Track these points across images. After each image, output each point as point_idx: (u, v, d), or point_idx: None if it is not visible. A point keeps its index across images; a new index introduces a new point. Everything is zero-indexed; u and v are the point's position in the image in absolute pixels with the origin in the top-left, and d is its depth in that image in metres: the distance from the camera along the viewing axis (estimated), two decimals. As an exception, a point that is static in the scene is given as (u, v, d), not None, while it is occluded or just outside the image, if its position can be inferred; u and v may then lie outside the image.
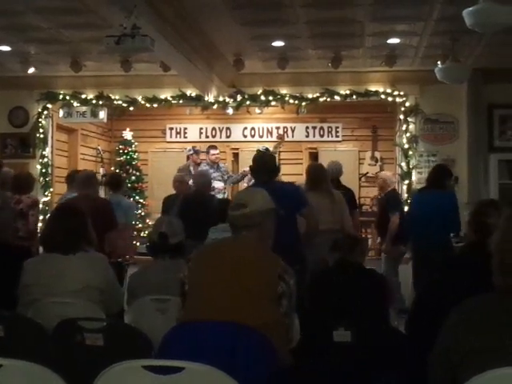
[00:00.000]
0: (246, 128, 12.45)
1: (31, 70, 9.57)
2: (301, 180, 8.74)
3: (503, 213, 2.35)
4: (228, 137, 12.57)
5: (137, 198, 11.75)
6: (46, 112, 10.54)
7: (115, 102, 10.48)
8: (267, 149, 10.68)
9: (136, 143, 12.11)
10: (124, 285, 5.25)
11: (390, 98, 10.01)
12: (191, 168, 11.09)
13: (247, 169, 10.83)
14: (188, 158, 11.63)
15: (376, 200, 10.23)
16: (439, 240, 6.33)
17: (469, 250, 3.45)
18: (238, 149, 12.56)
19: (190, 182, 10.18)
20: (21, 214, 6.57)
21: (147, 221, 11.57)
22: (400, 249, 8.38)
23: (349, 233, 5.92)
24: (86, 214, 4.12)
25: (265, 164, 5.75)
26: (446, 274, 3.36)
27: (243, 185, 11.13)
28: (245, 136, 12.48)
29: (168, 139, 12.69)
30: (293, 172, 10.83)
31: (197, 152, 11.40)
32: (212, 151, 10.98)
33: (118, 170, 11.75)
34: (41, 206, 8.80)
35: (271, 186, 5.51)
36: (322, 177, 6.84)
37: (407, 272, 9.07)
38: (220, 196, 10.61)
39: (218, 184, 10.70)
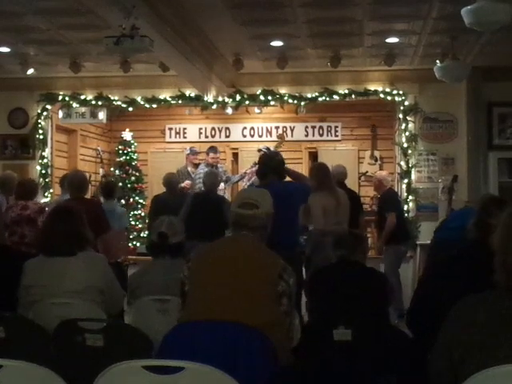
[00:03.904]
0: (245, 128, 12.43)
1: (30, 71, 9.56)
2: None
3: (505, 211, 2.34)
4: (227, 137, 12.55)
5: (136, 198, 11.74)
6: (45, 113, 10.52)
7: (114, 103, 10.47)
8: (268, 148, 10.68)
9: (135, 143, 12.09)
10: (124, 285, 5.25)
11: (389, 97, 10.01)
12: (189, 169, 11.09)
13: (249, 170, 10.91)
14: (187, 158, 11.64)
15: (376, 199, 10.23)
16: None
17: (471, 248, 3.45)
18: (237, 149, 12.55)
19: (185, 183, 10.20)
20: (28, 220, 6.52)
21: (147, 221, 11.56)
22: (400, 248, 8.39)
23: (352, 230, 5.90)
24: (81, 213, 4.10)
25: (271, 166, 5.82)
26: (447, 270, 3.36)
27: (241, 184, 11.15)
28: (244, 136, 12.47)
29: (167, 139, 12.67)
30: (292, 171, 10.80)
31: (194, 152, 11.39)
32: (211, 154, 10.95)
33: (117, 171, 11.75)
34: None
35: (277, 186, 5.57)
36: (327, 177, 6.85)
37: (407, 271, 9.09)
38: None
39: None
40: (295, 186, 6.04)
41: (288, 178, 6.12)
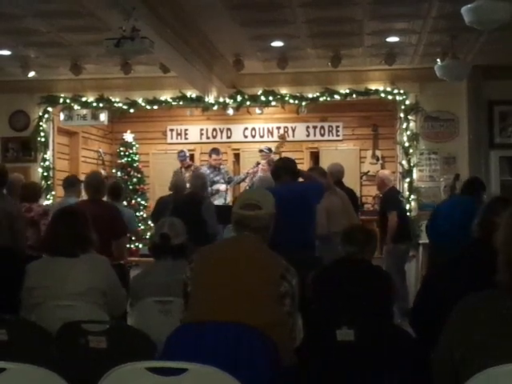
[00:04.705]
0: (246, 128, 12.43)
1: (31, 74, 9.57)
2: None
3: (508, 210, 2.32)
4: (229, 137, 12.56)
5: (138, 199, 11.75)
6: (46, 115, 10.54)
7: (115, 105, 10.48)
8: (270, 149, 10.70)
9: (137, 145, 12.11)
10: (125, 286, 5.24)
11: (390, 97, 10.01)
12: (182, 170, 11.13)
13: (251, 170, 10.91)
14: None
15: (378, 199, 10.23)
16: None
17: (473, 247, 3.44)
18: (238, 149, 12.56)
19: None
20: (31, 222, 6.51)
21: (149, 222, 11.57)
22: (401, 248, 8.37)
23: (363, 226, 5.80)
24: (86, 215, 4.11)
25: (284, 167, 5.85)
26: (449, 269, 3.36)
27: (244, 185, 11.16)
28: (245, 136, 12.47)
29: (169, 141, 12.68)
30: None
31: (181, 157, 11.40)
32: (214, 156, 11.00)
33: (119, 173, 11.76)
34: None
35: (288, 185, 5.61)
36: (326, 178, 6.85)
37: (410, 270, 9.07)
38: (222, 198, 10.66)
39: (220, 186, 10.74)
40: (306, 186, 6.04)
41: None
